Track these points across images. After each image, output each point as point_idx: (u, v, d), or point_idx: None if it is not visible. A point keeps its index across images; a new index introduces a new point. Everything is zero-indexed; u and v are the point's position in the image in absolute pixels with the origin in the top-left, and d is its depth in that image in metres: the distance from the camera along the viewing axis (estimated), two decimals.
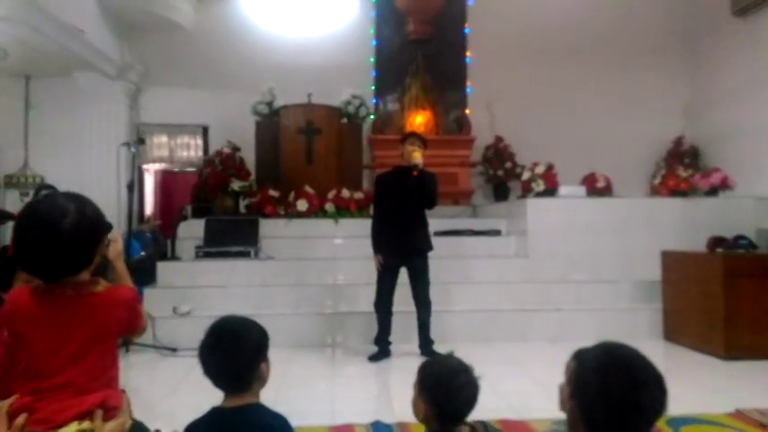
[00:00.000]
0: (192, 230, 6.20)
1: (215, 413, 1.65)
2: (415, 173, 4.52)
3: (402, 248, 4.60)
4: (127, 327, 1.62)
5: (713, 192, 6.34)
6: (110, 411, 1.48)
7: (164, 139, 8.63)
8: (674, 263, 5.35)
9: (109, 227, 1.64)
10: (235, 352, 1.62)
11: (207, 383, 1.72)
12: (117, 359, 1.64)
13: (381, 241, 4.61)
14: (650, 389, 1.24)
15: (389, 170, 4.84)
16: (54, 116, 7.86)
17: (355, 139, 7.58)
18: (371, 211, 4.87)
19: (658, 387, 1.25)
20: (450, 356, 1.79)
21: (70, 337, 1.48)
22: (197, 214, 6.67)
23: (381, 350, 4.61)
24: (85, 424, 1.41)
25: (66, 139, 7.84)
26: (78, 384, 1.47)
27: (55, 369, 1.47)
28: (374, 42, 8.67)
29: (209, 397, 1.70)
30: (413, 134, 4.87)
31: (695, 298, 4.93)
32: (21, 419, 1.38)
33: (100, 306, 1.53)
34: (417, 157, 4.51)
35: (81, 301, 1.51)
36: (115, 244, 1.77)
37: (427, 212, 4.73)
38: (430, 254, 4.70)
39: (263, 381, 1.70)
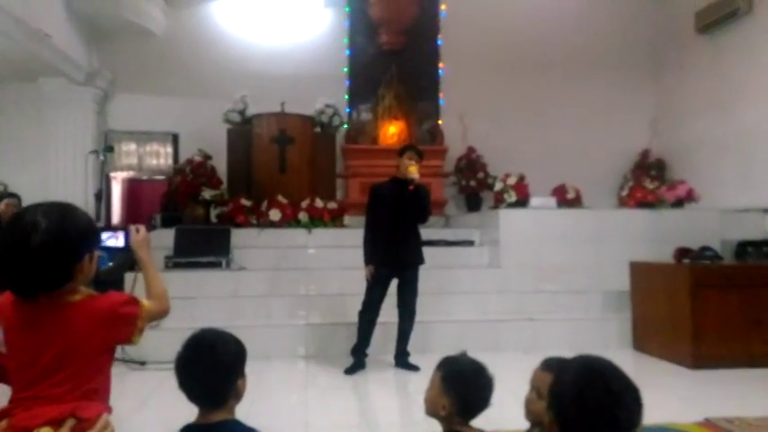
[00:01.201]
0: (161, 240, 6.06)
1: (189, 430, 1.60)
2: (411, 188, 4.50)
3: (396, 260, 4.58)
4: (112, 337, 1.54)
5: (679, 204, 6.49)
6: (81, 423, 1.43)
7: (132, 146, 8.48)
8: (642, 273, 5.45)
9: (95, 242, 1.58)
10: (212, 366, 1.58)
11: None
12: (105, 371, 1.57)
13: (375, 252, 4.57)
14: (627, 402, 1.25)
15: (386, 181, 4.77)
16: (19, 122, 7.66)
17: (329, 148, 7.57)
18: (365, 220, 4.74)
19: (634, 400, 1.26)
20: (466, 356, 1.85)
21: (43, 350, 1.44)
22: (166, 223, 6.54)
23: (357, 362, 4.58)
24: (45, 429, 1.38)
25: (32, 146, 7.65)
26: (50, 397, 1.43)
27: (29, 381, 1.45)
28: (348, 52, 8.69)
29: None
30: (410, 147, 4.77)
31: (663, 308, 5.03)
32: (3, 424, 1.41)
33: (76, 317, 1.47)
34: (414, 171, 4.48)
35: (56, 312, 1.46)
36: (136, 234, 1.79)
37: None
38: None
39: (238, 397, 1.66)
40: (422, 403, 1.84)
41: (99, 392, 1.54)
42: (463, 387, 1.74)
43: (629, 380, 1.29)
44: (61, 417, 1.41)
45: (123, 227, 7.50)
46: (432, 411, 1.80)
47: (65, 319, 1.46)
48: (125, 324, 1.56)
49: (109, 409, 1.55)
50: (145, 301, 1.63)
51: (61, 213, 1.48)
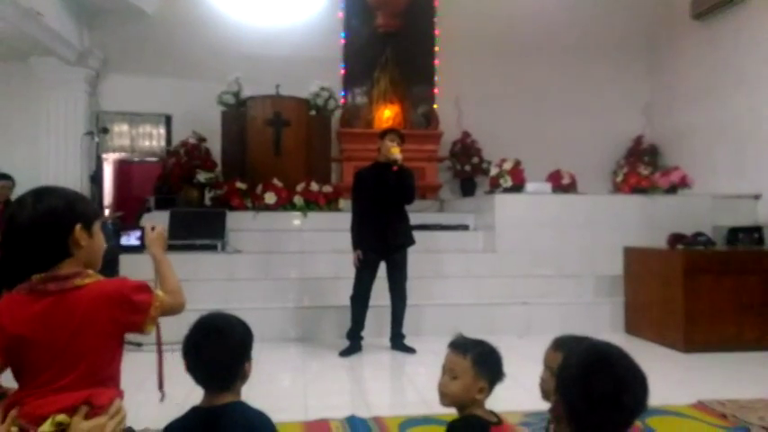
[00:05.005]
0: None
1: (196, 412, 1.62)
2: (394, 168, 4.51)
3: (383, 244, 4.60)
4: (122, 321, 1.49)
5: (672, 189, 6.54)
6: (94, 409, 1.42)
7: (124, 127, 8.35)
8: (635, 258, 5.51)
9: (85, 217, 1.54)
10: (221, 350, 1.59)
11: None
12: (117, 358, 1.54)
13: (362, 236, 4.59)
14: (633, 389, 1.26)
15: (368, 165, 4.79)
16: (9, 102, 7.56)
17: (324, 131, 7.51)
18: (351, 205, 4.78)
19: (641, 387, 1.28)
20: (464, 336, 1.86)
21: (54, 336, 1.42)
22: (161, 206, 6.50)
23: (353, 345, 4.61)
24: (61, 417, 1.37)
25: (23, 127, 7.57)
26: (63, 384, 1.42)
27: (40, 368, 1.43)
28: (343, 34, 8.60)
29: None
30: (392, 130, 4.83)
31: (656, 292, 5.09)
32: (13, 412, 1.40)
33: (84, 301, 1.44)
34: (396, 152, 4.50)
35: (64, 297, 1.44)
36: (151, 232, 1.84)
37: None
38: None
39: (245, 379, 1.68)
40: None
41: (113, 379, 1.54)
42: (495, 365, 1.77)
43: (636, 365, 1.30)
44: (75, 404, 1.41)
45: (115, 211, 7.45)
46: (462, 398, 1.75)
47: (74, 303, 1.44)
48: (137, 311, 1.51)
49: (121, 394, 1.55)
50: (159, 292, 1.61)
51: (46, 190, 1.52)
